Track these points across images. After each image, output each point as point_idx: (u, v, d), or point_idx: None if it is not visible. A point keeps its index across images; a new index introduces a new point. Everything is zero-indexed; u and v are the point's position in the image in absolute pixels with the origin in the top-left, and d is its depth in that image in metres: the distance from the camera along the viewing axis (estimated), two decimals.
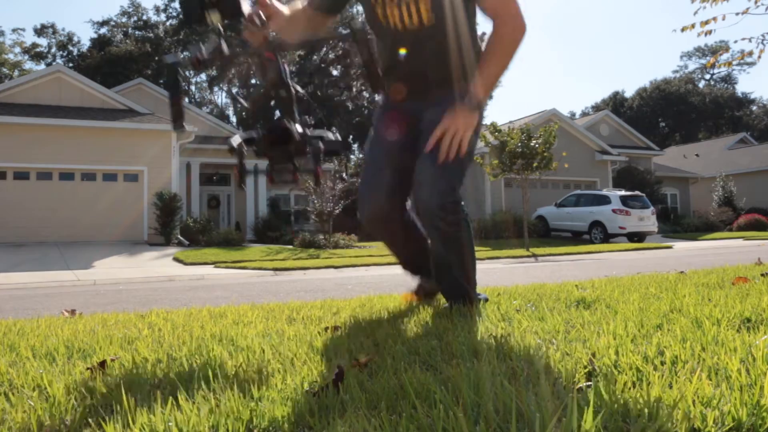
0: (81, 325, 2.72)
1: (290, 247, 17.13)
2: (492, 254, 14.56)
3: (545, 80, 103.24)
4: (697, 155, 38.94)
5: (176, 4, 40.73)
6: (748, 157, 34.28)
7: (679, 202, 31.82)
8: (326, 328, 2.18)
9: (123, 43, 40.91)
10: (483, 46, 2.29)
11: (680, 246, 15.76)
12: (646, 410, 0.99)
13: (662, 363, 1.37)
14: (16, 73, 40.13)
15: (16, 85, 18.65)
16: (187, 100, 40.14)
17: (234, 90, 42.14)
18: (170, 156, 18.27)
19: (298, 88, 1.85)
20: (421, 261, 2.57)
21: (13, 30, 48.75)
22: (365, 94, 45.19)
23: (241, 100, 8.22)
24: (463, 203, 2.28)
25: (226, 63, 1.80)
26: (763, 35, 5.15)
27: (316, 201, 19.07)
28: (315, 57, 41.38)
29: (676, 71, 61.74)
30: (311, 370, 1.48)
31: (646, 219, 19.86)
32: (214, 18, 1.76)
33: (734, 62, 6.45)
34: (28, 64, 42.73)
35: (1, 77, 38.81)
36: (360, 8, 2.41)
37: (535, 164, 16.84)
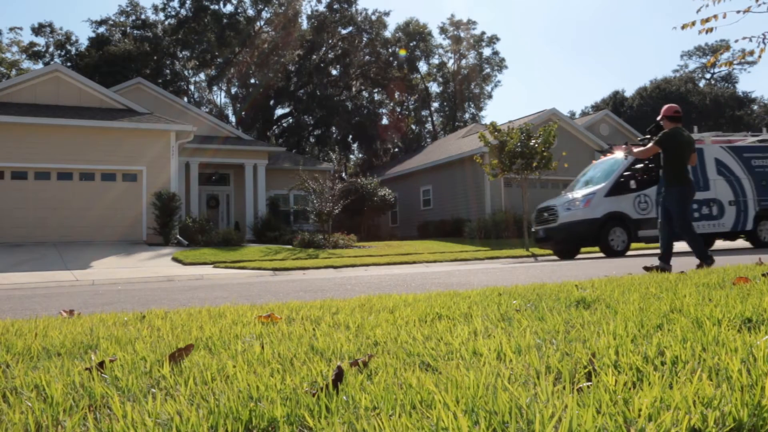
0: (79, 325, 2.71)
1: (289, 246, 17.12)
2: (492, 254, 14.55)
3: (545, 80, 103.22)
4: None
5: (175, 4, 40.59)
6: None
7: None
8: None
9: (121, 42, 40.81)
10: None
11: (681, 245, 15.73)
12: (646, 410, 0.98)
13: (662, 363, 1.36)
14: (13, 72, 40.02)
15: (14, 85, 18.60)
16: (186, 99, 40.16)
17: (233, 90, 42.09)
18: (169, 156, 18.24)
19: None
20: None
21: (11, 29, 48.53)
22: (365, 93, 45.17)
23: None
24: None
25: None
26: (764, 34, 5.11)
27: (315, 201, 19.05)
28: (314, 57, 41.33)
29: (677, 70, 61.65)
30: (311, 370, 1.47)
31: None
32: None
33: (735, 62, 6.42)
34: (26, 64, 42.59)
35: None
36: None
37: (534, 164, 16.83)
